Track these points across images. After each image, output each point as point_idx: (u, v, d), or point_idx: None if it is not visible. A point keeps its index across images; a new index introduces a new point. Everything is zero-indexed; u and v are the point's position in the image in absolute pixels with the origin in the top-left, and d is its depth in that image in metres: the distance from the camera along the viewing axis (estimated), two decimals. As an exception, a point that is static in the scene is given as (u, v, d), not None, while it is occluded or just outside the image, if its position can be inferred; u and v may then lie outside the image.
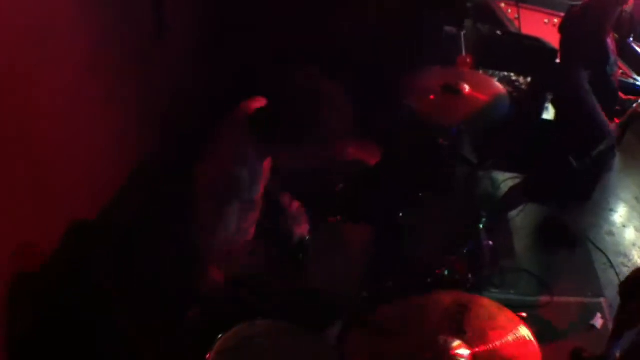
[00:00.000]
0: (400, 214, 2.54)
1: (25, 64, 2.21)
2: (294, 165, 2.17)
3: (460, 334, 1.68)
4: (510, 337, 1.68)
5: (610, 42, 3.14)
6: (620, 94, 3.48)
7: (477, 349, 1.65)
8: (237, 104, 2.14)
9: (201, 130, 2.21)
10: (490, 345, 1.66)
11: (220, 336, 1.85)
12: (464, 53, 3.73)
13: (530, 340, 1.68)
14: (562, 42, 3.31)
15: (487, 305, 1.81)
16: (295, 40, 3.77)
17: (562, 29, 3.33)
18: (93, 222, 2.73)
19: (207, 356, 1.79)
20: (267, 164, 2.18)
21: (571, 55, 3.14)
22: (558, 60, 3.61)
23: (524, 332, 1.71)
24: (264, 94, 2.04)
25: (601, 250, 3.85)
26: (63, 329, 2.39)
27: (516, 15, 4.28)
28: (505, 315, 1.78)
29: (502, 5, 4.47)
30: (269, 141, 2.02)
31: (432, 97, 2.91)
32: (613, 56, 3.20)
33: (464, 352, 1.63)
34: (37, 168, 2.36)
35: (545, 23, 4.34)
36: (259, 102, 2.08)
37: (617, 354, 2.87)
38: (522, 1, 4.35)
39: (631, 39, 4.63)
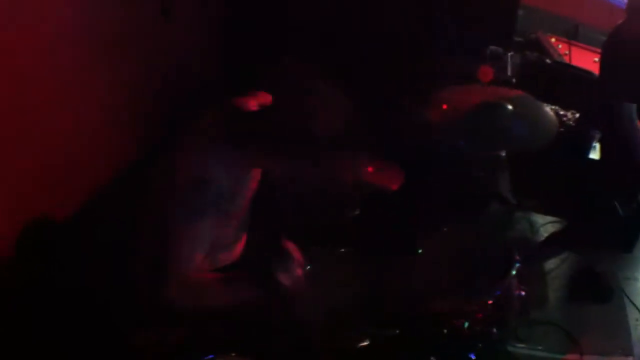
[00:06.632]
0: (420, 250, 2.23)
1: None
2: (290, 177, 1.95)
3: None
4: None
5: None
6: None
7: None
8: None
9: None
10: None
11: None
12: (509, 73, 3.51)
13: None
14: (607, 68, 2.94)
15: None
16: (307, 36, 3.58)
17: (607, 52, 2.94)
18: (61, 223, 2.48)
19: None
20: (255, 174, 1.93)
21: (619, 86, 2.77)
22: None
23: None
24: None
25: (636, 307, 3.59)
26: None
27: (566, 52, 4.13)
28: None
29: (553, 40, 4.32)
30: (243, 143, 1.75)
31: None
32: None
33: None
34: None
35: (595, 62, 4.01)
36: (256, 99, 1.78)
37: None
38: (573, 38, 4.25)
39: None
